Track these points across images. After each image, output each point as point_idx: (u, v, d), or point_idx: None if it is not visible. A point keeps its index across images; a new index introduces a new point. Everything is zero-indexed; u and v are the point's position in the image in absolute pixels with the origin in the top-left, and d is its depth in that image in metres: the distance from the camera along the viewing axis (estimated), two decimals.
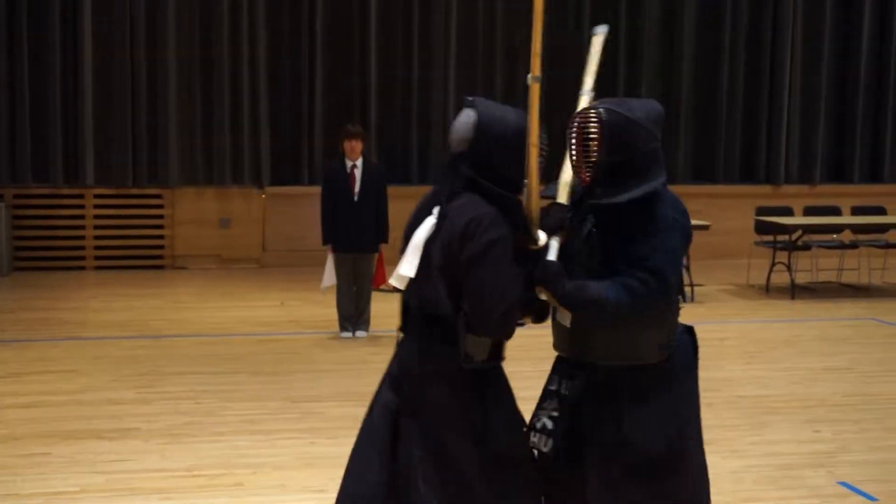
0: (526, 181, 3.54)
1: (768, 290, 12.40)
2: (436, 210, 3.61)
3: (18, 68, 13.57)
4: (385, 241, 9.68)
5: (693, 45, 15.52)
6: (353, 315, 9.71)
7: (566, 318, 3.64)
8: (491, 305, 3.43)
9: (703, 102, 15.69)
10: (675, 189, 12.49)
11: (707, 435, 6.70)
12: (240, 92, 14.18)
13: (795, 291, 12.20)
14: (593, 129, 3.58)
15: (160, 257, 13.94)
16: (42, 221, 13.61)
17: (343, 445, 6.40)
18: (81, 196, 13.63)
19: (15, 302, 11.48)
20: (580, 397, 3.65)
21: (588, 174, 3.63)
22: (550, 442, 3.65)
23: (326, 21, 14.41)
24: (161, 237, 14.02)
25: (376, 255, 9.82)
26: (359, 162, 9.57)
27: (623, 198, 3.57)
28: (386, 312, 10.65)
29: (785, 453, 6.43)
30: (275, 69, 14.41)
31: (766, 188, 15.63)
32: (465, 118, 3.64)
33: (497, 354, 3.62)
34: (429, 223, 3.60)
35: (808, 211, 13.61)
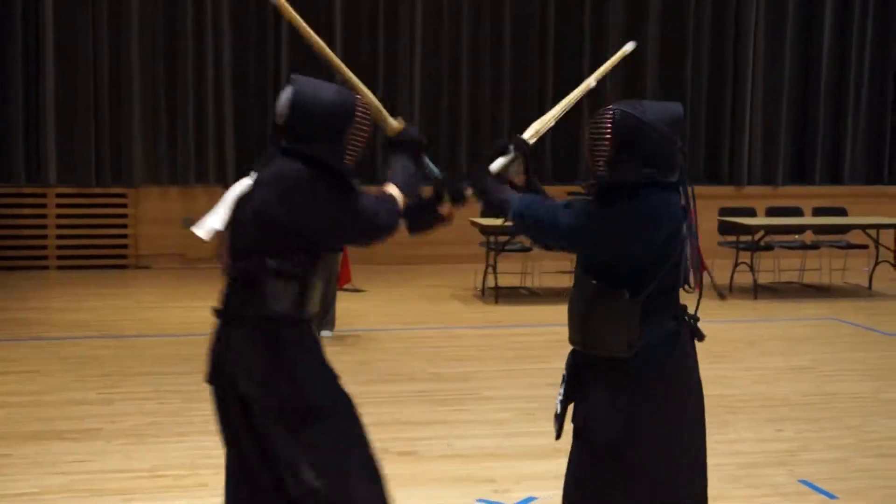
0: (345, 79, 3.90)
1: (731, 291, 12.49)
2: (254, 174, 3.82)
3: None
4: None
5: (656, 45, 15.61)
6: (319, 314, 9.67)
7: (573, 304, 3.91)
8: (361, 231, 3.74)
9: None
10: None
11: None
12: (204, 90, 14.12)
13: (758, 291, 12.30)
14: (606, 128, 3.77)
15: (124, 257, 13.85)
16: (4, 221, 13.48)
17: None
18: (44, 195, 13.53)
19: None
20: (570, 382, 3.96)
21: (601, 170, 3.80)
22: (557, 425, 4.06)
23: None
24: (125, 236, 13.93)
25: (340, 254, 9.80)
26: None
27: (606, 179, 3.77)
28: (351, 312, 10.65)
29: (748, 452, 6.48)
30: (239, 67, 14.38)
31: (730, 189, 15.75)
32: (284, 94, 3.79)
33: (302, 304, 3.79)
34: (243, 183, 3.83)
35: (771, 212, 13.73)
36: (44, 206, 13.55)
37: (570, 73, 15.26)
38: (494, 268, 11.75)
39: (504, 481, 5.88)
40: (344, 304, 10.32)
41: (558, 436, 4.06)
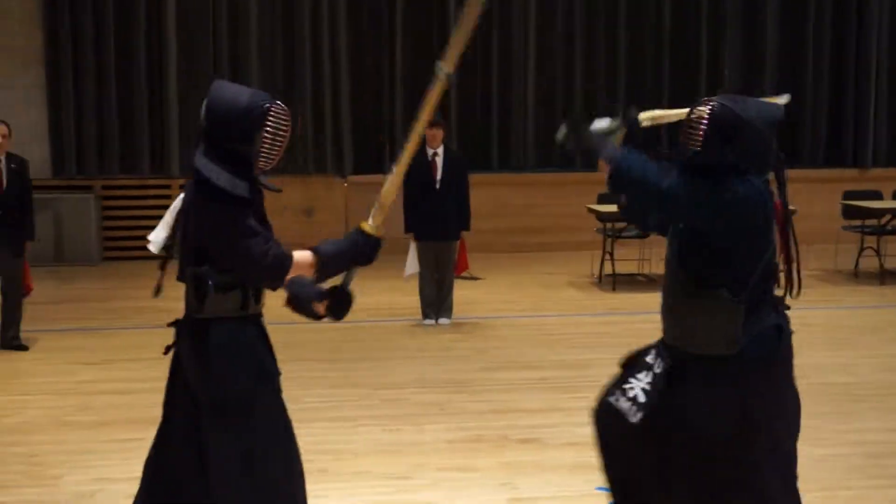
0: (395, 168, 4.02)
1: (856, 276, 12.17)
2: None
3: (106, 63, 13.84)
4: (467, 228, 9.71)
5: (777, 28, 15.27)
6: (436, 302, 9.74)
7: (667, 302, 3.90)
8: (243, 266, 3.82)
9: (788, 86, 15.42)
10: None
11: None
12: (321, 82, 14.30)
13: (884, 277, 11.96)
14: (704, 119, 3.77)
15: None
16: (130, 212, 13.88)
17: (425, 432, 6.48)
18: (168, 186, 13.86)
19: (104, 291, 11.71)
20: (668, 377, 3.85)
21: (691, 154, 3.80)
22: (640, 414, 3.86)
23: (406, 8, 14.46)
24: None
25: (458, 242, 9.84)
26: (440, 150, 9.60)
27: (698, 159, 3.77)
28: (469, 299, 10.69)
29: (872, 441, 6.32)
30: (356, 59, 14.50)
31: (854, 172, 15.31)
32: (206, 99, 3.90)
33: (245, 306, 3.93)
34: (180, 198, 4.00)
35: None
36: (168, 196, 13.86)
37: (688, 66, 15.08)
38: (612, 255, 11.66)
39: None
40: (461, 292, 10.37)
41: (640, 421, 3.90)
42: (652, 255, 12.51)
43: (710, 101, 3.80)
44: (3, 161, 8.68)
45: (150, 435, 6.33)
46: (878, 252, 12.05)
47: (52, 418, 6.88)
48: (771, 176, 3.92)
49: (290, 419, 4.07)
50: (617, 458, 4.12)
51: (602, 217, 11.77)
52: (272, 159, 3.91)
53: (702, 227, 3.76)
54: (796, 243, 3.96)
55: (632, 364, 4.09)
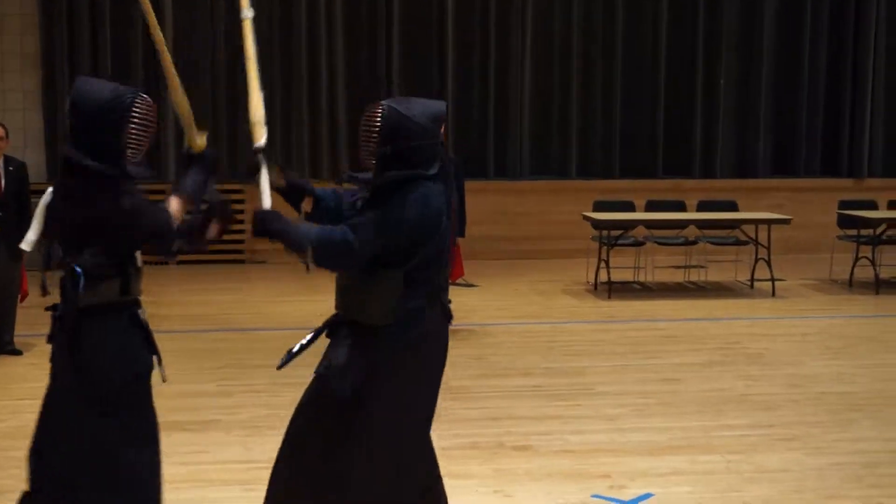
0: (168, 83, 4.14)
1: (852, 285, 12.19)
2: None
3: (102, 67, 13.85)
4: (462, 235, 9.69)
5: (773, 38, 15.31)
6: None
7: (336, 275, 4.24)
8: (157, 239, 4.07)
9: (783, 95, 15.47)
10: (756, 183, 12.30)
11: (791, 431, 6.66)
12: (318, 87, 14.30)
13: (880, 286, 11.98)
14: (376, 123, 4.07)
15: (241, 252, 14.10)
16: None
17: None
18: (163, 191, 13.73)
19: None
20: (317, 336, 4.32)
21: (370, 161, 4.09)
22: (282, 361, 4.34)
23: (403, 13, 14.47)
24: (241, 231, 14.16)
25: (454, 248, 9.82)
26: None
27: (379, 179, 4.05)
28: (464, 306, 10.67)
29: (870, 451, 6.33)
30: (352, 64, 14.51)
31: (849, 182, 15.35)
32: (69, 95, 4.05)
33: (125, 292, 4.10)
34: (48, 193, 4.18)
35: (893, 205, 13.33)
36: (162, 201, 13.85)
37: (684, 73, 15.11)
38: (607, 262, 11.66)
39: (619, 477, 5.84)
40: (457, 299, 10.30)
41: (279, 366, 4.32)
42: (648, 262, 12.53)
43: (378, 105, 4.10)
44: (1, 164, 8.66)
45: None
46: (873, 262, 12.06)
47: None
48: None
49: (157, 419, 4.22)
50: None
51: (597, 224, 11.78)
52: (140, 149, 4.05)
53: (399, 248, 4.04)
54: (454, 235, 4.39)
55: None
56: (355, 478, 4.13)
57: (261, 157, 4.28)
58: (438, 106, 4.18)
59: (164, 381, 4.28)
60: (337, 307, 4.27)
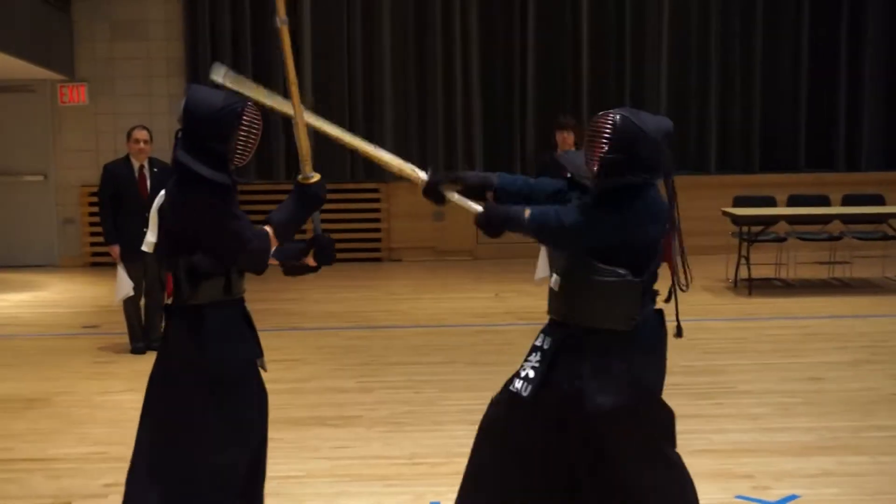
0: (294, 119, 4.27)
1: None
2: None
3: (243, 71, 14.16)
4: None
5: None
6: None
7: (556, 283, 4.24)
8: (229, 250, 4.15)
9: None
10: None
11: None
12: (453, 85, 14.39)
13: None
14: (606, 130, 4.08)
15: (377, 250, 14.27)
16: (265, 216, 14.10)
17: None
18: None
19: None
20: (557, 352, 4.18)
21: (595, 166, 4.10)
22: (530, 388, 4.15)
23: (538, 12, 14.45)
24: (378, 230, 14.35)
25: None
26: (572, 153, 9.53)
27: (607, 182, 4.08)
28: None
29: None
30: (487, 62, 14.56)
31: None
32: (181, 101, 4.23)
33: (228, 291, 4.30)
34: (160, 196, 4.33)
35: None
36: None
37: (827, 64, 14.71)
38: (748, 258, 11.42)
39: (763, 477, 5.71)
40: None
41: (533, 398, 4.14)
42: (789, 258, 12.24)
43: (607, 114, 4.12)
44: (147, 166, 8.94)
45: (288, 435, 6.48)
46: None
47: None
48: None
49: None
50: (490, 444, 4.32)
51: (737, 220, 11.56)
52: (246, 156, 4.23)
53: (611, 246, 4.10)
54: (682, 245, 4.37)
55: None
56: (648, 487, 4.21)
57: (435, 182, 4.38)
58: (667, 123, 4.20)
59: (264, 371, 4.46)
60: (557, 313, 4.28)
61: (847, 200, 12.54)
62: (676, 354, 8.51)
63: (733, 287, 11.74)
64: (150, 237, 4.49)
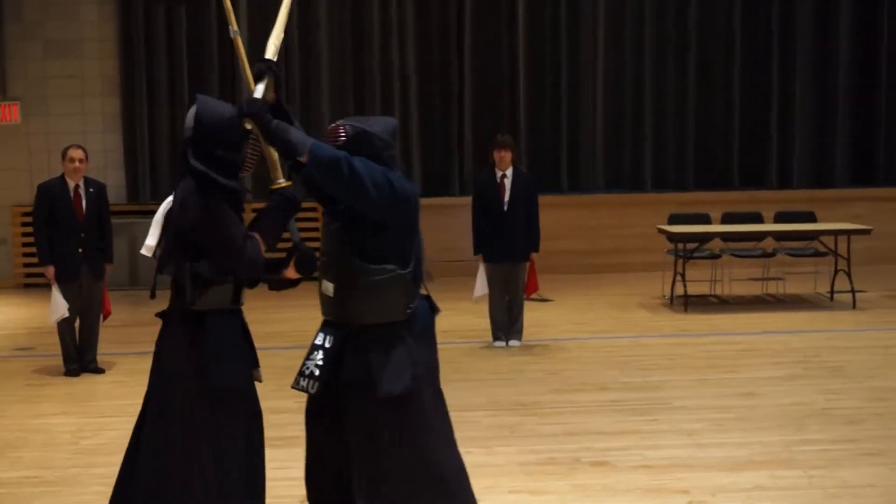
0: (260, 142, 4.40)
1: None
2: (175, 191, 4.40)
3: (179, 90, 14.10)
4: (536, 249, 9.68)
5: (848, 46, 15.11)
6: (506, 324, 9.73)
7: (330, 290, 4.56)
8: (225, 254, 4.23)
9: (860, 103, 15.24)
10: (835, 193, 12.15)
11: (876, 445, 6.55)
12: (390, 105, 14.40)
13: None
14: (341, 139, 4.49)
15: None
16: None
17: (497, 455, 6.46)
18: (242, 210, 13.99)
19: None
20: (340, 348, 4.52)
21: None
22: (316, 385, 4.54)
23: (475, 34, 14.54)
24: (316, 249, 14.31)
25: (528, 264, 9.82)
26: (509, 172, 9.60)
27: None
28: (539, 321, 10.66)
29: None
30: (424, 82, 14.60)
31: None
32: (190, 111, 4.36)
33: (235, 300, 4.42)
34: (167, 201, 4.43)
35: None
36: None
37: (758, 84, 14.94)
38: (683, 275, 11.55)
39: (699, 493, 5.78)
40: (531, 314, 10.35)
41: (319, 394, 4.56)
42: (724, 275, 12.40)
43: (339, 125, 4.54)
44: (82, 185, 8.85)
45: None
46: None
47: None
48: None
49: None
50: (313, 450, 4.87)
51: (673, 237, 11.69)
52: (253, 164, 4.42)
53: (380, 207, 4.42)
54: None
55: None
56: (441, 464, 4.59)
57: (266, 70, 4.51)
58: (391, 121, 4.69)
59: (260, 381, 4.62)
60: (336, 316, 4.61)
61: (779, 218, 12.74)
62: (613, 371, 8.66)
63: (669, 304, 11.87)
64: (150, 241, 4.54)
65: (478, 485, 5.81)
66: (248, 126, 4.35)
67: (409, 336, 4.55)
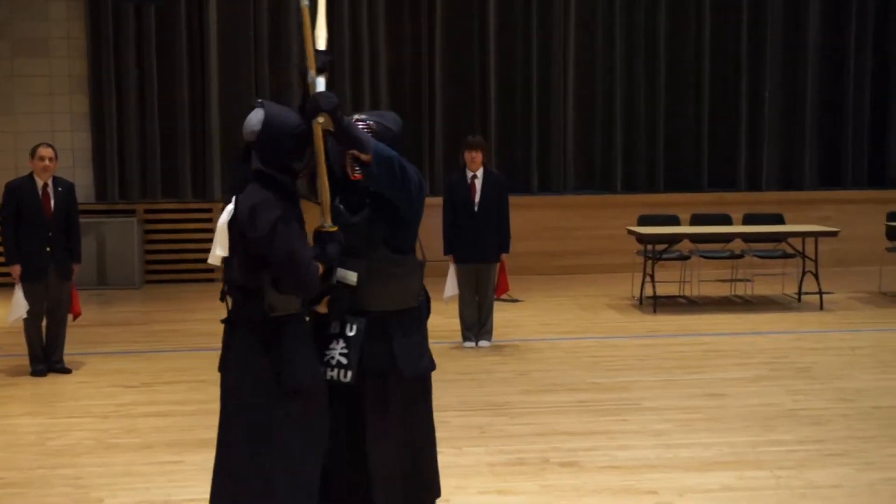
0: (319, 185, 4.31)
1: None
2: (234, 198, 4.32)
3: (148, 89, 14.02)
4: (506, 250, 9.69)
5: (817, 49, 15.21)
6: (476, 325, 9.73)
7: (352, 278, 4.46)
8: (288, 270, 4.17)
9: (828, 106, 15.35)
10: (803, 195, 12.25)
11: (842, 446, 6.60)
12: (361, 106, 14.36)
13: None
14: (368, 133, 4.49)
15: None
16: (172, 235, 13.99)
17: (466, 455, 6.46)
18: (210, 210, 13.95)
19: (146, 314, 11.79)
20: (364, 336, 4.48)
21: (357, 170, 4.45)
22: (349, 373, 4.45)
23: (445, 34, 14.53)
24: None
25: (498, 264, 9.83)
26: (479, 172, 9.60)
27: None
28: (509, 322, 10.67)
29: None
30: (394, 83, 14.58)
31: None
32: (255, 115, 4.32)
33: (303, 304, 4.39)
34: (228, 209, 4.33)
35: None
36: (209, 220, 13.97)
37: (728, 86, 15.01)
38: (652, 276, 11.59)
39: (667, 493, 5.79)
40: (501, 315, 10.36)
41: (355, 381, 4.45)
42: (693, 276, 12.46)
43: (359, 121, 4.55)
44: (51, 184, 8.78)
45: (193, 458, 6.40)
46: None
47: (97, 441, 6.92)
48: None
49: None
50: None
51: (642, 239, 11.73)
52: (305, 175, 4.42)
53: (417, 205, 4.63)
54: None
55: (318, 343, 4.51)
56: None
57: (328, 63, 4.53)
58: (398, 116, 4.77)
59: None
60: (361, 305, 4.51)
61: (748, 219, 12.82)
62: (583, 371, 8.68)
63: (638, 305, 11.91)
64: (219, 251, 4.41)
65: (447, 485, 5.81)
66: (321, 120, 4.25)
67: (421, 320, 4.71)
